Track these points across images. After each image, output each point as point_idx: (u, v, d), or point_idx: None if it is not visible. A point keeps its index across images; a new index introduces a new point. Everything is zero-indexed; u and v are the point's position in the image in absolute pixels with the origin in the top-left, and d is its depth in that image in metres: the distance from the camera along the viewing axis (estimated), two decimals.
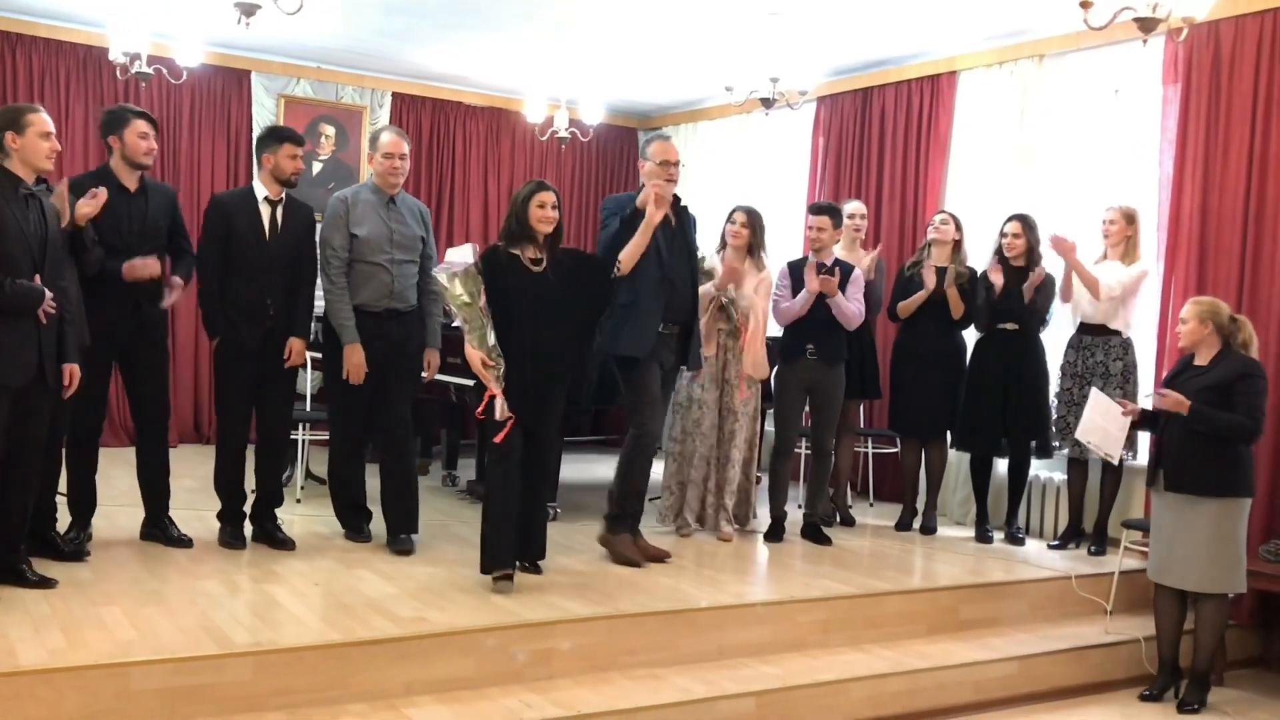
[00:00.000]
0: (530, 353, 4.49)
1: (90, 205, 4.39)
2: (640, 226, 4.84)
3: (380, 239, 5.02)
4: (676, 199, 5.08)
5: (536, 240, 4.58)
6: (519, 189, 4.70)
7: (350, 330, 4.98)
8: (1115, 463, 5.33)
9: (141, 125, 4.72)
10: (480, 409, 4.52)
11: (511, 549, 4.53)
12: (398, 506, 5.10)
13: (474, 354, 4.45)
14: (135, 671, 3.44)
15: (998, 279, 5.87)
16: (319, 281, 5.09)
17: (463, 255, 4.47)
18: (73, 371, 4.18)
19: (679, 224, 5.12)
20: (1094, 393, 5.15)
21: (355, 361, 4.98)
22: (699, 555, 5.34)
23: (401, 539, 5.03)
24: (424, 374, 5.31)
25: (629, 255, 4.84)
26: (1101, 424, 5.01)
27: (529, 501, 4.66)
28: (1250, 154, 5.52)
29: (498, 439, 4.46)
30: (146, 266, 4.69)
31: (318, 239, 5.09)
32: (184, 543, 4.94)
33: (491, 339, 4.44)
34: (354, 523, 5.27)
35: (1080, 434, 5.18)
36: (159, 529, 4.98)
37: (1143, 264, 5.80)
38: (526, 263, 4.55)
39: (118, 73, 6.81)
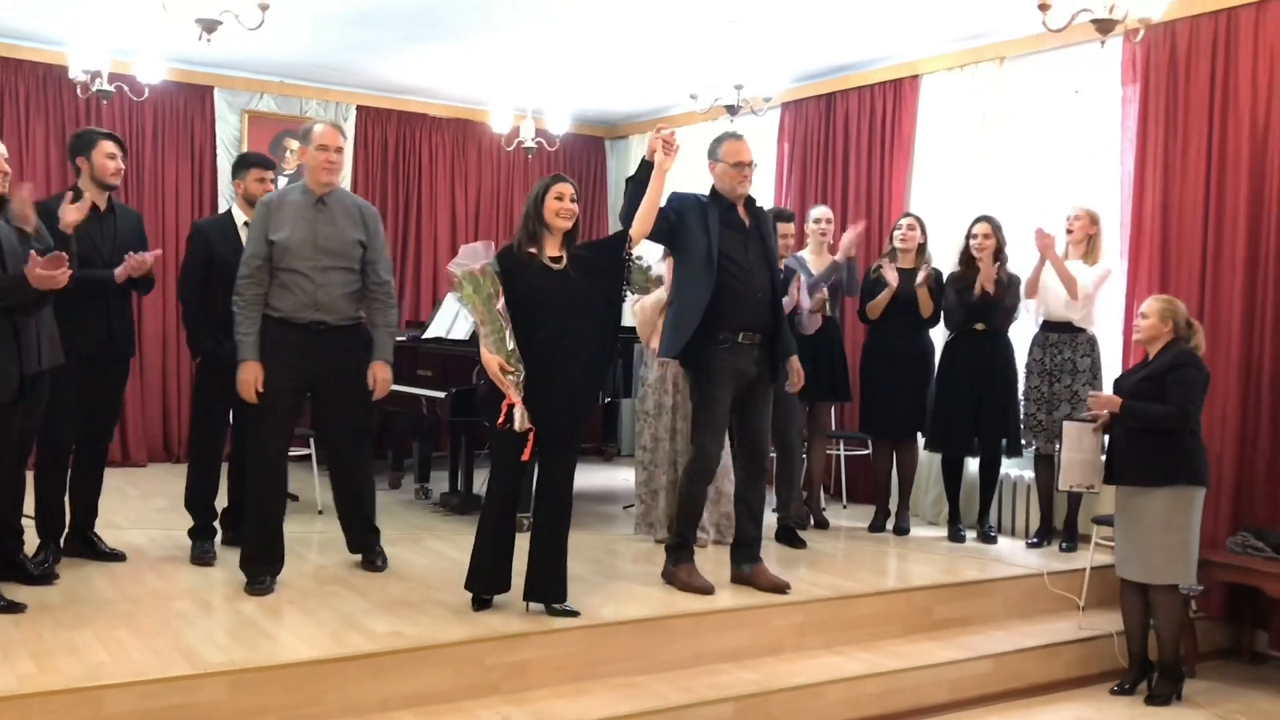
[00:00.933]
0: (554, 359, 4.19)
1: (78, 212, 4.45)
2: (650, 178, 4.46)
3: (302, 244, 4.52)
4: (751, 199, 4.88)
5: (555, 237, 4.29)
6: (534, 185, 4.38)
7: (247, 346, 4.50)
8: (1098, 492, 5.21)
9: (109, 146, 4.83)
10: (500, 420, 4.18)
11: (505, 576, 4.37)
12: (355, 519, 4.93)
13: (491, 359, 4.16)
14: (108, 695, 3.41)
15: (991, 287, 5.87)
16: None
17: (476, 253, 4.22)
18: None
19: (754, 223, 4.85)
20: (1065, 426, 5.05)
21: (244, 379, 4.49)
22: None
23: (373, 553, 4.93)
24: (372, 392, 4.72)
25: (641, 218, 4.45)
26: (1079, 458, 4.95)
27: (548, 531, 4.32)
28: (1209, 152, 5.59)
29: (524, 456, 4.18)
30: (144, 262, 4.76)
31: None
32: (117, 557, 4.96)
33: (511, 343, 4.15)
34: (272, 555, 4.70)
35: (1062, 485, 5.11)
36: (86, 544, 4.99)
37: (1106, 262, 5.87)
38: (546, 261, 4.25)
39: (78, 91, 6.76)
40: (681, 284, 4.80)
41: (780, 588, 4.79)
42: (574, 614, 4.29)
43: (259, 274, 4.53)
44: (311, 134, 4.63)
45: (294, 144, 8.53)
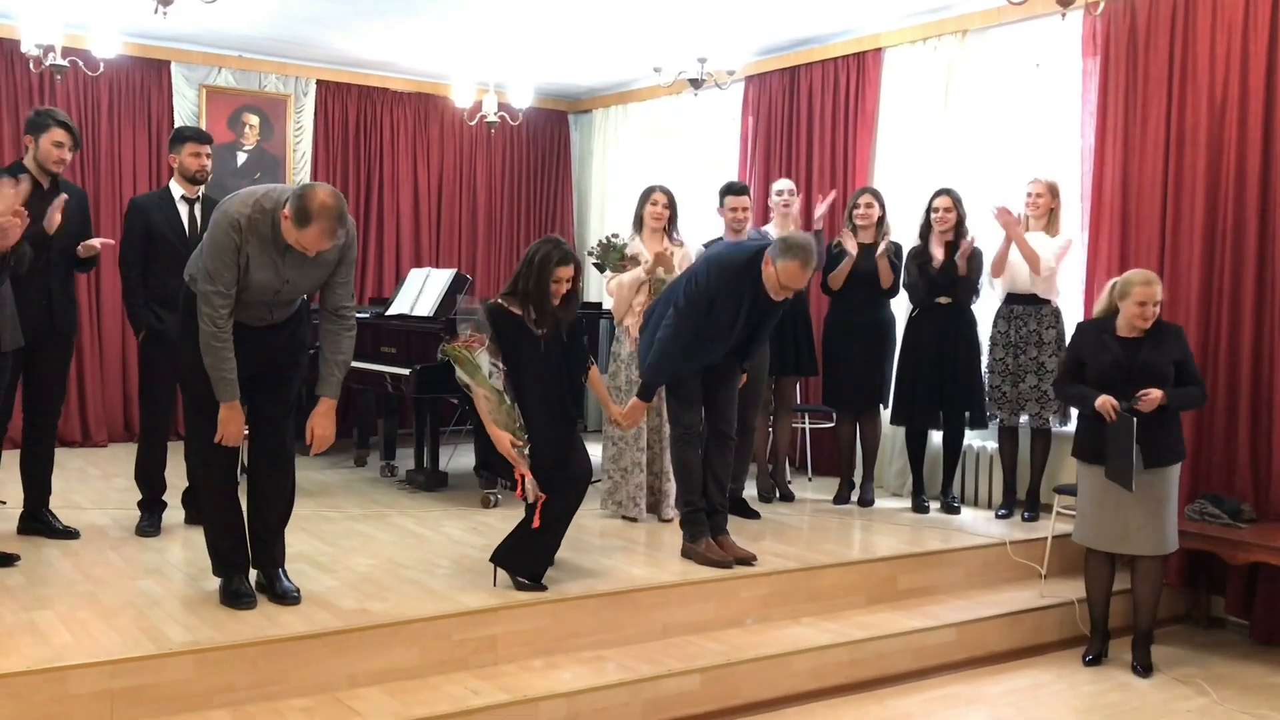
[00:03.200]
0: (537, 417, 4.39)
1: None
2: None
3: (264, 287, 3.88)
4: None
5: (542, 306, 4.40)
6: (535, 247, 4.42)
7: (231, 387, 3.86)
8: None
9: (59, 134, 4.77)
10: (518, 491, 4.33)
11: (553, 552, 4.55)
12: (270, 541, 4.17)
13: (502, 436, 4.28)
14: (72, 675, 3.39)
15: (939, 254, 5.94)
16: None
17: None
18: None
19: (774, 305, 4.78)
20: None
21: (230, 421, 3.90)
22: (641, 537, 5.37)
23: (283, 585, 4.13)
24: (313, 442, 4.10)
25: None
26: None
27: (560, 510, 4.45)
28: (1168, 124, 5.63)
29: (535, 524, 4.33)
30: (92, 248, 4.92)
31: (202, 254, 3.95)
32: (70, 534, 4.97)
33: (518, 416, 4.34)
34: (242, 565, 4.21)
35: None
36: (40, 522, 5.00)
37: (1067, 234, 5.93)
38: (529, 325, 4.40)
39: (31, 65, 6.65)
40: (695, 328, 4.71)
41: (746, 560, 4.83)
42: (542, 588, 4.31)
43: (232, 301, 3.84)
44: (307, 210, 3.65)
45: (253, 119, 8.45)
